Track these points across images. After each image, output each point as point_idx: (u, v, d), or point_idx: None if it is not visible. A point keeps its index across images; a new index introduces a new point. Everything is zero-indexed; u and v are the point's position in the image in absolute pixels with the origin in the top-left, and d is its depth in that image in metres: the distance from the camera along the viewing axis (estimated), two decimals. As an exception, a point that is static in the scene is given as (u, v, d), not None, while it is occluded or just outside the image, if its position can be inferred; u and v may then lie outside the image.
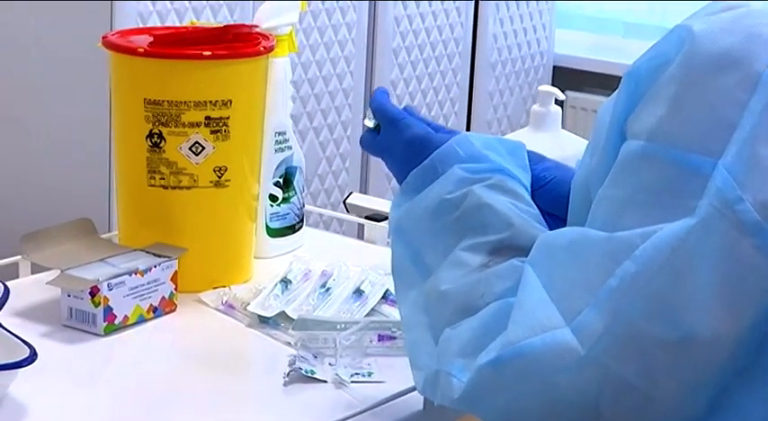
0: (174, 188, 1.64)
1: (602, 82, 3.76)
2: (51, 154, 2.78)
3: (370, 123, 1.38)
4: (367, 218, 2.00)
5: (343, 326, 1.52)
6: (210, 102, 1.61)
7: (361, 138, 1.41)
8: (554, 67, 4.07)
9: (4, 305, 1.40)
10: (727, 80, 0.99)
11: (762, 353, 1.00)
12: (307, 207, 1.94)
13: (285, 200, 1.82)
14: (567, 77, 3.96)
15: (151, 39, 1.67)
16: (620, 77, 1.09)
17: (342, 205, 2.19)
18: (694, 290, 0.96)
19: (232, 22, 1.68)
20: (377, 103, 1.37)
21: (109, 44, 1.64)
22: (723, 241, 0.96)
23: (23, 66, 2.80)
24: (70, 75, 2.75)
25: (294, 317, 1.55)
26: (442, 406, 1.17)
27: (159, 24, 2.65)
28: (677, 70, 1.02)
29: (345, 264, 1.69)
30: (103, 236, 1.73)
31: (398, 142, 1.33)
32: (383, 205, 2.03)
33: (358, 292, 1.63)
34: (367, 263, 1.72)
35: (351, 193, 2.26)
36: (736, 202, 0.96)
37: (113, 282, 1.50)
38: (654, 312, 0.98)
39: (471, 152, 1.26)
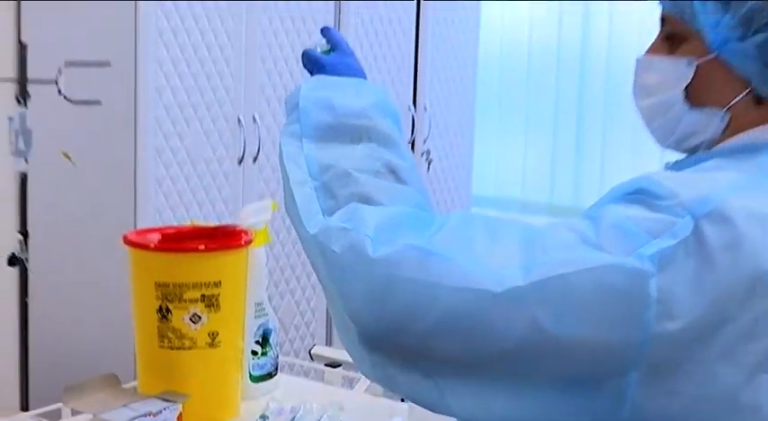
0: (178, 349, 1.72)
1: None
2: (90, 322, 2.84)
3: (320, 48, 1.34)
4: (326, 365, 2.09)
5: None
6: (205, 283, 1.71)
7: (305, 51, 1.34)
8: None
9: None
10: None
11: None
12: (281, 357, 1.99)
13: (264, 354, 1.91)
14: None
15: (160, 236, 1.78)
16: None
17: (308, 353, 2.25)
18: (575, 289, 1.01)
19: (224, 223, 1.88)
20: (336, 35, 1.36)
21: (128, 241, 1.74)
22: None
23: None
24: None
25: (270, 444, 1.62)
26: None
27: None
28: None
29: (309, 402, 1.78)
30: (127, 385, 1.78)
31: (346, 67, 1.32)
32: (340, 354, 2.12)
33: (318, 424, 1.71)
34: (326, 401, 1.81)
35: (314, 345, 2.44)
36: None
37: (133, 423, 1.58)
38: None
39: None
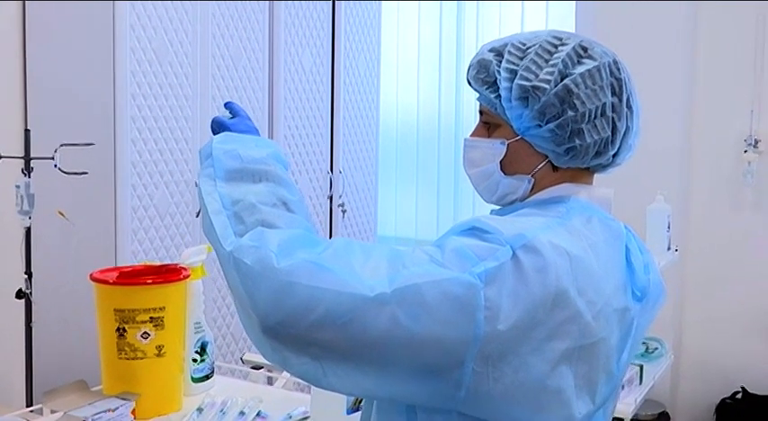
0: (133, 359, 1.71)
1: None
2: (72, 339, 2.74)
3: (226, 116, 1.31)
4: (252, 368, 2.08)
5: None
6: (152, 308, 1.71)
7: (215, 118, 1.31)
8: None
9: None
10: None
11: None
12: (218, 363, 1.98)
13: (202, 360, 1.89)
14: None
15: (118, 273, 1.76)
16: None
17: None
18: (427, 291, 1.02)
19: (168, 263, 1.87)
20: (236, 107, 1.33)
21: (93, 278, 1.73)
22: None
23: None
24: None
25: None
26: None
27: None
28: None
29: (236, 397, 1.79)
30: (94, 388, 1.76)
31: (246, 127, 1.29)
32: (264, 359, 2.19)
33: (241, 413, 1.73)
34: (249, 395, 1.81)
35: (245, 353, 2.42)
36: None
37: (95, 417, 1.59)
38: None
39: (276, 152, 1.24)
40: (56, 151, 2.55)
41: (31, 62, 2.85)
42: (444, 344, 1.03)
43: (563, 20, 4.23)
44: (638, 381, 3.14)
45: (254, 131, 1.30)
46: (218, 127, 1.29)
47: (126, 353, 1.71)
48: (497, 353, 1.04)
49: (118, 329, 1.70)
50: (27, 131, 2.64)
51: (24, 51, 2.83)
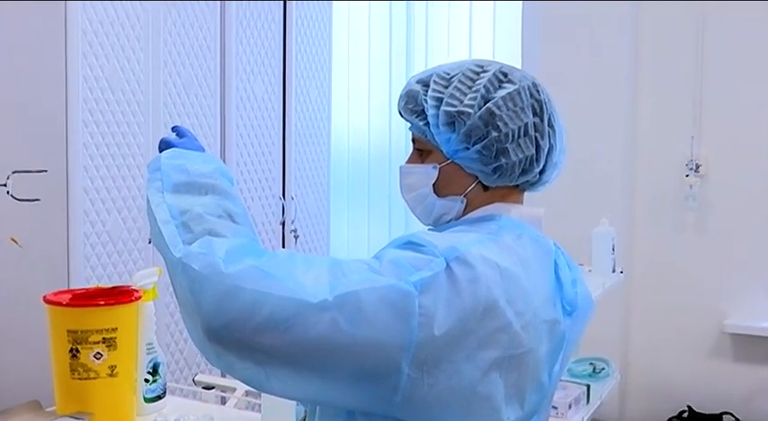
0: (86, 379, 1.71)
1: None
2: (28, 360, 2.65)
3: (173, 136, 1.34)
4: (204, 388, 2.10)
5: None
6: (105, 329, 1.71)
7: (162, 138, 1.34)
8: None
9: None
10: None
11: None
12: (168, 383, 1.98)
13: (154, 381, 1.89)
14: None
15: (70, 295, 1.77)
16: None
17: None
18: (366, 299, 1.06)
19: (120, 285, 1.89)
20: (183, 129, 1.37)
21: (46, 300, 1.73)
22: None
23: None
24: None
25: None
26: None
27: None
28: None
29: (187, 414, 1.82)
30: (48, 409, 1.76)
31: (193, 146, 1.33)
32: (216, 380, 2.14)
33: (192, 430, 1.71)
34: (201, 413, 1.85)
35: (197, 373, 2.44)
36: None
37: (48, 436, 1.55)
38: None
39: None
40: (8, 178, 2.56)
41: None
42: (381, 349, 1.08)
43: (510, 20, 4.29)
44: (585, 401, 3.21)
45: (201, 150, 1.35)
46: (165, 146, 1.33)
47: (79, 374, 1.72)
48: (432, 360, 1.09)
49: (71, 350, 1.72)
50: (-21, 159, 2.66)
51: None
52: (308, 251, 3.96)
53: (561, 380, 3.27)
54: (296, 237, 3.83)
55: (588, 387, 3.22)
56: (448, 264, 1.12)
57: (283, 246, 3.79)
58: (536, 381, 1.23)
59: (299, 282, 1.07)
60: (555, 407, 3.01)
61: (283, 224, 3.80)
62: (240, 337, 1.06)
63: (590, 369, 3.47)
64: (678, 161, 3.96)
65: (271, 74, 3.70)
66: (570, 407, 3.04)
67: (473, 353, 1.11)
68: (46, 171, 2.65)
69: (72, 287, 2.67)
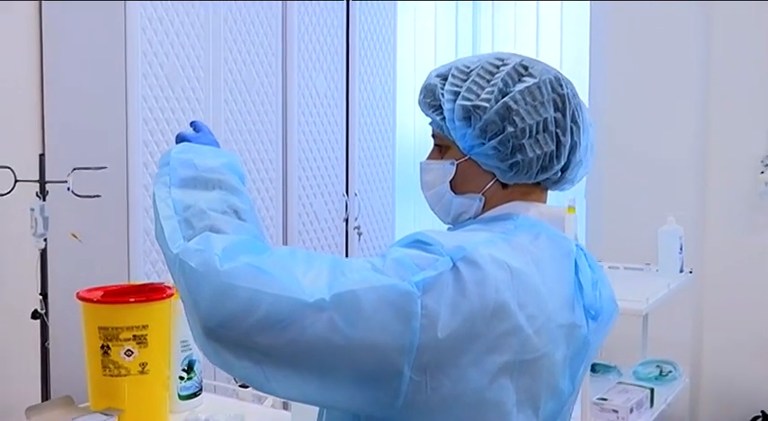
0: (117, 376, 1.73)
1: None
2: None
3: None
4: (240, 386, 2.08)
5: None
6: (136, 326, 1.73)
7: (179, 133, 1.34)
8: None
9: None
10: None
11: None
12: (207, 381, 1.98)
13: (189, 378, 1.91)
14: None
15: (102, 292, 1.79)
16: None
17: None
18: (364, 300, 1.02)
19: (152, 282, 1.89)
20: (200, 124, 1.37)
21: (79, 297, 1.76)
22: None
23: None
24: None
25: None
26: None
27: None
28: None
29: (219, 413, 1.82)
30: (82, 405, 1.79)
31: (207, 141, 1.31)
32: None
33: (223, 429, 1.71)
34: (234, 411, 1.84)
35: None
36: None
37: (77, 432, 1.58)
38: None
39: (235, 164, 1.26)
40: (69, 175, 2.59)
41: (48, 91, 2.90)
42: (380, 350, 1.03)
43: (578, 20, 4.22)
44: (649, 404, 3.11)
45: (215, 145, 1.33)
46: (180, 141, 1.32)
47: (110, 371, 1.73)
48: (435, 363, 1.05)
49: (102, 347, 1.73)
50: (42, 156, 2.70)
51: (42, 84, 2.89)
52: (371, 249, 3.93)
53: (623, 383, 3.16)
54: (359, 234, 3.80)
55: (652, 390, 3.12)
56: (454, 264, 1.07)
57: (346, 243, 3.77)
58: (552, 388, 1.17)
59: (296, 280, 1.04)
60: (615, 411, 2.92)
61: (347, 221, 3.76)
62: (237, 336, 1.03)
63: (656, 371, 3.37)
64: (752, 158, 3.80)
65: (334, 70, 3.68)
66: (632, 410, 2.94)
67: (481, 357, 1.06)
68: (106, 167, 2.67)
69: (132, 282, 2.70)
